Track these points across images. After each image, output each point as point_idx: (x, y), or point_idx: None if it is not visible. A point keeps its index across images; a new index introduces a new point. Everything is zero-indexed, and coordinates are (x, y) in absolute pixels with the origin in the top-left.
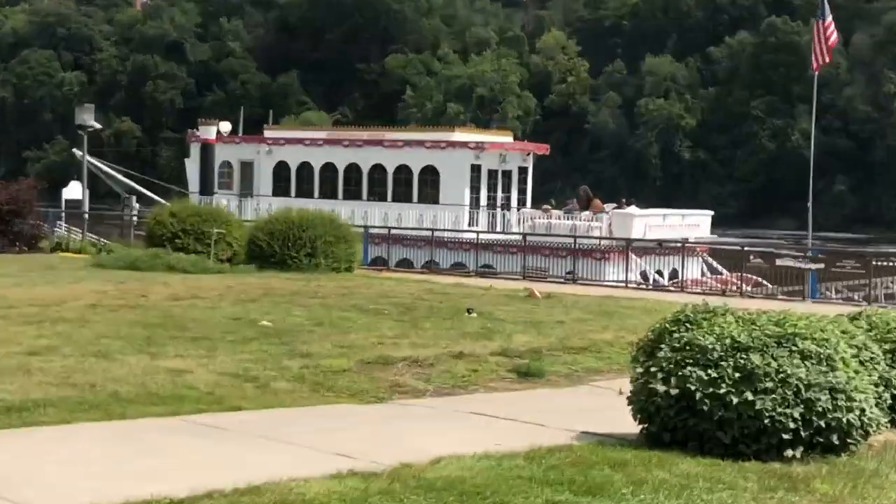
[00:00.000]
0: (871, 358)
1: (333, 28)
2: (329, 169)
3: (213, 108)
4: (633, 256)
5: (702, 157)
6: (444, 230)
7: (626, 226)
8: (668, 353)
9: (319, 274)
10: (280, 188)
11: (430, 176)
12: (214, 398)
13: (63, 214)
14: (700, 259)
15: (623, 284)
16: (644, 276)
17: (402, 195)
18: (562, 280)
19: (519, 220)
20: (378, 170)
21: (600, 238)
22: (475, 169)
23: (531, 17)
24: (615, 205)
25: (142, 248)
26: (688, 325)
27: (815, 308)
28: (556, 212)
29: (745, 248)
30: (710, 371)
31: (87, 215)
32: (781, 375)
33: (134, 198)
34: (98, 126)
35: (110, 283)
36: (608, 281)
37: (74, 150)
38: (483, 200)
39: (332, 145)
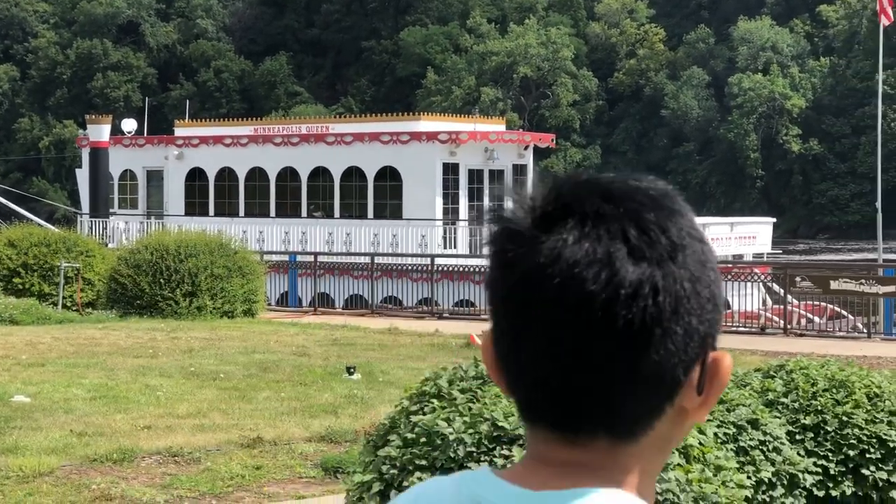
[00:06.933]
0: (763, 442)
1: None
2: (257, 176)
3: (180, 105)
4: None
5: (815, 148)
6: (405, 255)
7: None
8: (395, 451)
9: (199, 321)
10: (194, 205)
11: (390, 181)
12: None
13: None
14: (760, 285)
15: None
16: None
17: (353, 208)
18: None
19: None
20: (321, 175)
21: None
22: (450, 169)
23: None
24: None
25: None
26: (434, 401)
27: (880, 350)
28: None
29: (790, 267)
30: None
31: None
32: None
33: None
34: None
35: None
36: None
37: None
38: (464, 212)
39: (261, 144)
